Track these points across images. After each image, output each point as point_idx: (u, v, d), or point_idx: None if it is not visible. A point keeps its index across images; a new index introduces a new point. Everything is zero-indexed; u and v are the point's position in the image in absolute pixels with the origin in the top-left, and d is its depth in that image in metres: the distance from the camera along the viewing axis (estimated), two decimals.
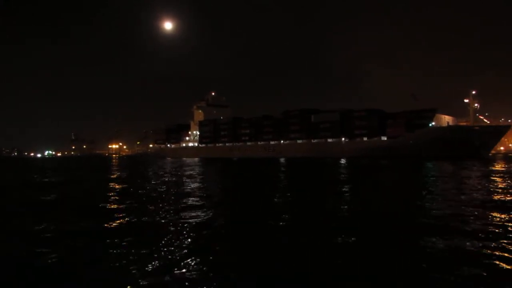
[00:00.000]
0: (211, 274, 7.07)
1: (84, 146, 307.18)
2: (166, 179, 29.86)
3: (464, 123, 68.29)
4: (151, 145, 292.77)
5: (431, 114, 67.68)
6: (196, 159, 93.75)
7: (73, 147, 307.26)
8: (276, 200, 17.00)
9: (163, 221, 12.14)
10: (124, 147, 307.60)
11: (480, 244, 8.50)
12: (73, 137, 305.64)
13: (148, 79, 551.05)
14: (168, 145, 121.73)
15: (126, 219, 12.62)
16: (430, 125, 66.79)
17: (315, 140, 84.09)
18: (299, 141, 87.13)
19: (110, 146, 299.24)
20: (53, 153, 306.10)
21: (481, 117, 67.85)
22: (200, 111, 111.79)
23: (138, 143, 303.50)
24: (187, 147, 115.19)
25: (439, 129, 66.06)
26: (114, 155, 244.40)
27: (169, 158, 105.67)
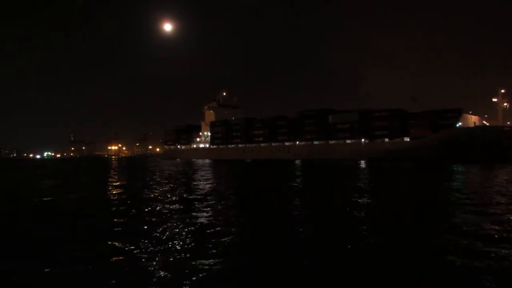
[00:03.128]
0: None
1: (83, 148, 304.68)
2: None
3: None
4: (150, 146, 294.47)
5: (457, 114, 65.72)
6: (207, 160, 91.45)
7: (72, 148, 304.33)
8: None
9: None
10: (124, 148, 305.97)
11: None
12: (72, 138, 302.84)
13: (147, 80, 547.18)
14: (178, 146, 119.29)
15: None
16: (457, 125, 64.84)
17: (333, 141, 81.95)
18: (315, 142, 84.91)
19: (109, 148, 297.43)
20: (52, 154, 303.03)
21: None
22: (211, 111, 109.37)
23: (137, 144, 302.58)
24: (198, 149, 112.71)
25: (466, 129, 63.95)
26: (113, 157, 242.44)
27: (179, 160, 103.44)
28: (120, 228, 11.58)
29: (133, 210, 14.78)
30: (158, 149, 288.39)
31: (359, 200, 16.23)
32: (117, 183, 28.55)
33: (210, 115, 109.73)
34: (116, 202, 17.90)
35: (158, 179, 30.25)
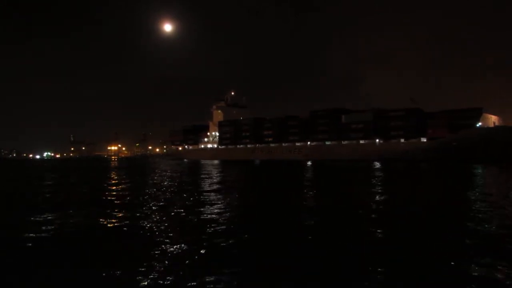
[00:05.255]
0: None
1: (83, 148, 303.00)
2: None
3: None
4: (150, 147, 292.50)
5: (477, 113, 64.22)
6: (216, 161, 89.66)
7: (72, 149, 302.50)
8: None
9: None
10: (123, 148, 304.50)
11: None
12: (72, 139, 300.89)
13: (147, 80, 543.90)
14: (186, 147, 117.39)
15: None
16: (478, 125, 63.29)
17: (346, 142, 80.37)
18: (327, 143, 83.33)
19: (109, 148, 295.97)
20: (52, 154, 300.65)
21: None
22: (220, 111, 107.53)
23: (137, 144, 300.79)
24: (205, 149, 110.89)
25: (486, 130, 62.41)
26: (113, 157, 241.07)
27: (186, 160, 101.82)
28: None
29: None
30: (158, 150, 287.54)
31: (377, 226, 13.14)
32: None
33: (218, 115, 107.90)
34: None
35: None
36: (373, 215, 13.70)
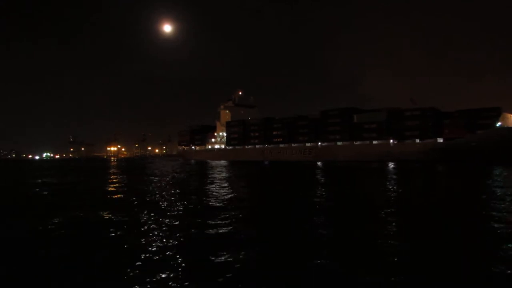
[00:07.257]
0: None
1: (82, 149, 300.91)
2: None
3: None
4: (149, 148, 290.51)
5: (496, 113, 62.76)
6: (223, 162, 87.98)
7: (71, 149, 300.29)
8: None
9: None
10: (123, 149, 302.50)
11: None
12: (71, 139, 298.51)
13: (147, 81, 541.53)
14: (193, 147, 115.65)
15: None
16: (497, 125, 61.85)
17: (358, 142, 78.74)
18: (339, 143, 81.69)
19: (108, 149, 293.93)
20: (51, 155, 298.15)
21: None
22: (227, 111, 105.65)
23: (136, 145, 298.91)
24: (213, 149, 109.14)
25: (506, 129, 60.95)
26: (112, 158, 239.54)
27: (193, 161, 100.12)
28: None
29: None
30: (157, 150, 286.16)
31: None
32: None
33: (226, 115, 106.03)
34: None
35: None
36: (382, 217, 13.08)
